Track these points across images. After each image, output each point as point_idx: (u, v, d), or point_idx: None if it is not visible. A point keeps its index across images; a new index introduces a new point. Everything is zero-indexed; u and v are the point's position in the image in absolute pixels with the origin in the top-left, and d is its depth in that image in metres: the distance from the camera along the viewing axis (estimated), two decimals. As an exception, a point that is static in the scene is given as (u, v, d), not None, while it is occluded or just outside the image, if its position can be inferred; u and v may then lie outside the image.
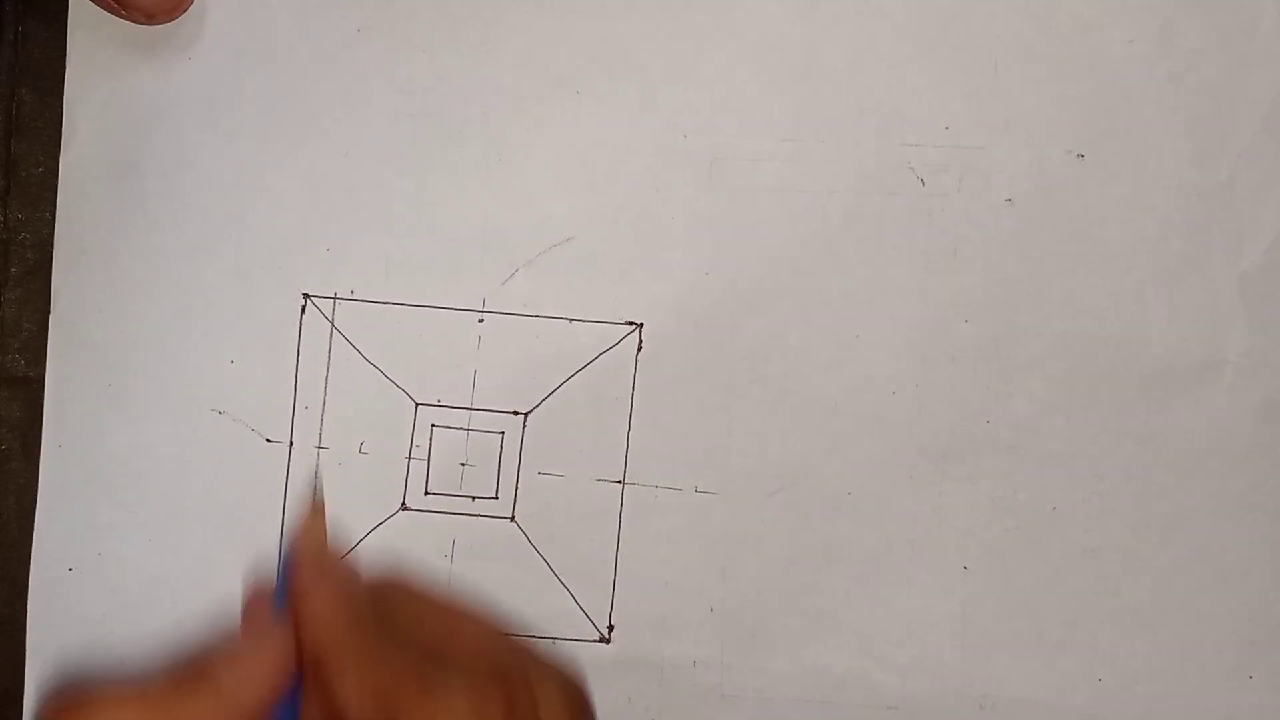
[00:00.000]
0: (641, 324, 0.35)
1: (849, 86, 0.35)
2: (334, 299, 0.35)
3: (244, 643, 0.26)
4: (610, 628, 0.35)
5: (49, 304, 0.35)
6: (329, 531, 0.29)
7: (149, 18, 0.33)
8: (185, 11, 0.33)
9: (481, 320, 0.35)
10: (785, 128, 0.35)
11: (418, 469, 0.35)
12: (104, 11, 0.33)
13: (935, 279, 0.35)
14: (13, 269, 0.36)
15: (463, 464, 0.35)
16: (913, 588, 0.35)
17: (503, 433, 0.35)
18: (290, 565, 0.29)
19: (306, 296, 0.35)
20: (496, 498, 0.35)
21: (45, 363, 0.35)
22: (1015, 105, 0.35)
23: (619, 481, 0.35)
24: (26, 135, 0.36)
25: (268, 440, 0.35)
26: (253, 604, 0.28)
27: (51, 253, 0.35)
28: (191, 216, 0.35)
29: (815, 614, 0.35)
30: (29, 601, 0.35)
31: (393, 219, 0.35)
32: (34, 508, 0.35)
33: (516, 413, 0.35)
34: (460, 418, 0.35)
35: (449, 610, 0.29)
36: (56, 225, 0.35)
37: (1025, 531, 0.35)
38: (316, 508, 0.30)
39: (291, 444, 0.35)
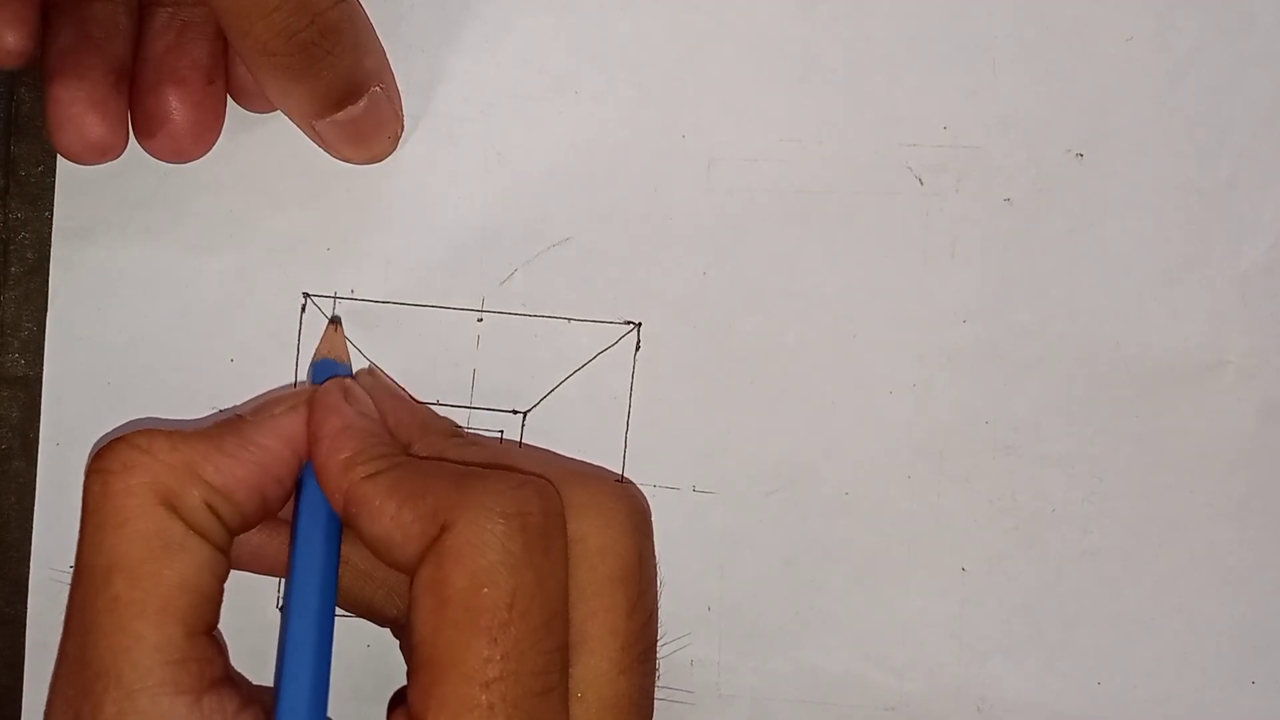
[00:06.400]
0: (640, 323, 0.35)
1: (847, 86, 0.35)
2: (334, 298, 0.35)
3: (270, 407, 0.31)
4: (607, 627, 0.35)
5: (47, 303, 0.35)
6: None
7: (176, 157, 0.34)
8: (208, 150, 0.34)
9: (480, 320, 0.35)
10: (783, 128, 0.35)
11: (416, 468, 0.35)
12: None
13: (933, 279, 0.35)
14: (12, 268, 0.36)
15: (461, 463, 0.35)
16: (910, 589, 0.35)
17: (501, 431, 0.35)
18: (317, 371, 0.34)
19: (306, 296, 0.35)
20: (494, 497, 0.35)
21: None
22: (1013, 104, 0.35)
23: (617, 480, 0.35)
24: (26, 135, 0.36)
25: (266, 439, 0.35)
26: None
27: (50, 252, 0.35)
28: (191, 216, 0.35)
29: (813, 614, 0.35)
30: (29, 600, 0.36)
31: (393, 219, 0.35)
32: (33, 507, 0.35)
33: (515, 411, 0.35)
34: (459, 416, 0.35)
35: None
36: (55, 224, 0.35)
37: (1024, 533, 0.35)
38: (336, 327, 0.34)
39: (289, 442, 0.35)
